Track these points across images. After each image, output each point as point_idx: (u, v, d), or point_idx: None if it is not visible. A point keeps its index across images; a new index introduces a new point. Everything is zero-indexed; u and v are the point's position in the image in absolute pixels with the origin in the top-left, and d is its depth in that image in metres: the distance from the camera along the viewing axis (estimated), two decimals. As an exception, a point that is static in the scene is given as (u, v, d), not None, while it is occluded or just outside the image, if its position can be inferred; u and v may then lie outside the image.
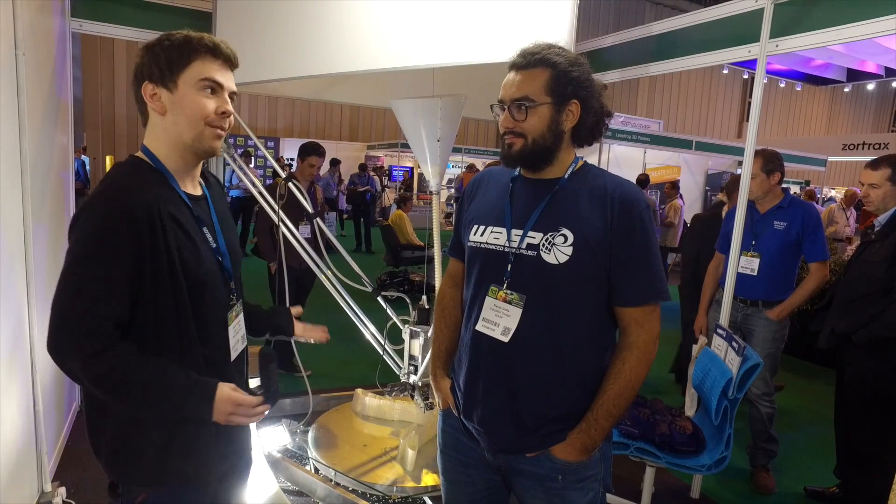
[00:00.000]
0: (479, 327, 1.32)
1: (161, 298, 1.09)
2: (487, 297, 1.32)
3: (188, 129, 1.15)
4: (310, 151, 3.97)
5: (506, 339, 1.28)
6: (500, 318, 1.30)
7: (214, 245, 1.21)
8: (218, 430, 1.19)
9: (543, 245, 1.26)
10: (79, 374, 1.04)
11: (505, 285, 1.29)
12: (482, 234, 1.35)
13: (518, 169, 1.37)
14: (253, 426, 2.50)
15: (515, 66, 1.29)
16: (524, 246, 1.28)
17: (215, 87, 1.16)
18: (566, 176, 1.31)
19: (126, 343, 1.07)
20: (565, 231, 1.25)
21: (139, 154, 1.18)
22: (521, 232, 1.29)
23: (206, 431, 1.19)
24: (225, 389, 1.14)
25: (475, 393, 1.35)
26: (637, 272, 1.26)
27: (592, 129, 1.33)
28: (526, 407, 1.29)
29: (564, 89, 1.25)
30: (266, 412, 1.20)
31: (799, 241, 2.87)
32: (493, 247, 1.33)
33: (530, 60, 1.27)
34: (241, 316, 1.32)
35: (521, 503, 1.38)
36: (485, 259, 1.35)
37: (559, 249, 1.25)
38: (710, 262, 3.20)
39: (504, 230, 1.32)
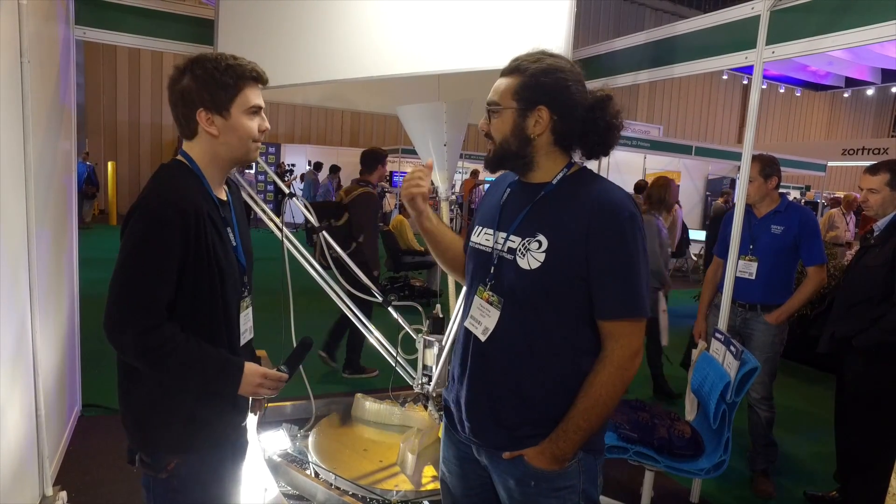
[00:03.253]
0: (466, 324, 1.37)
1: (199, 285, 1.25)
2: (475, 297, 1.36)
3: (239, 148, 1.34)
4: (384, 157, 4.29)
5: (483, 338, 1.32)
6: (483, 317, 1.33)
7: (234, 244, 1.37)
8: (234, 403, 1.38)
9: (520, 250, 1.28)
10: (133, 344, 1.19)
11: (488, 286, 1.33)
12: (478, 235, 1.41)
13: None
14: (253, 430, 2.52)
15: (501, 72, 1.34)
16: (506, 249, 1.31)
17: (257, 110, 1.34)
18: (554, 181, 1.31)
19: (171, 322, 1.22)
20: (541, 237, 1.25)
21: (181, 159, 1.34)
22: (505, 235, 1.32)
23: (226, 403, 1.36)
24: (252, 365, 1.33)
25: (461, 385, 1.39)
26: (610, 285, 1.22)
27: (587, 139, 1.30)
28: (503, 406, 1.31)
29: (530, 95, 1.26)
30: (284, 384, 1.38)
31: (797, 244, 2.89)
32: (482, 247, 1.38)
33: (508, 67, 1.32)
34: (251, 308, 1.47)
35: (501, 501, 1.39)
36: (476, 259, 1.40)
37: (533, 255, 1.25)
38: None
39: (493, 232, 1.36)
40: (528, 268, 1.25)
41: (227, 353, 1.30)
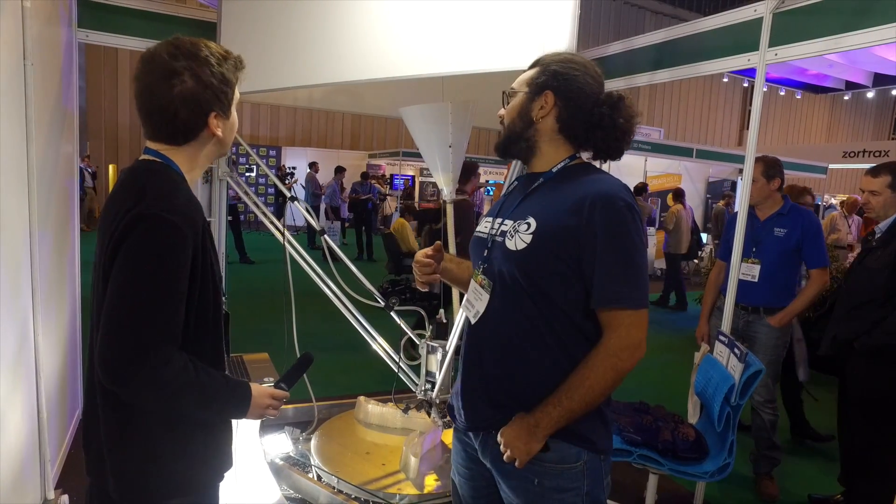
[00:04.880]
0: (462, 306, 1.42)
1: (203, 302, 1.13)
2: (472, 280, 1.39)
3: (227, 144, 1.24)
4: (476, 168, 4.67)
5: (474, 321, 1.34)
6: (476, 300, 1.35)
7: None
8: (230, 429, 1.28)
9: (510, 232, 1.31)
10: (147, 380, 1.02)
11: (481, 270, 1.36)
12: (481, 225, 1.46)
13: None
14: (256, 434, 2.51)
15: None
16: (498, 233, 1.35)
17: None
18: (553, 171, 1.35)
19: (180, 350, 1.08)
20: (530, 219, 1.28)
21: (157, 159, 1.17)
22: (501, 220, 1.37)
23: (228, 432, 1.26)
24: (257, 386, 1.22)
25: (466, 374, 1.40)
26: (605, 273, 1.22)
27: (592, 134, 1.31)
28: (495, 388, 1.32)
29: (541, 81, 1.33)
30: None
31: (799, 247, 2.89)
32: (481, 234, 1.43)
33: (532, 62, 1.39)
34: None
35: (506, 502, 1.38)
36: (475, 245, 1.44)
37: (521, 236, 1.27)
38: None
39: (492, 219, 1.41)
40: (514, 248, 1.27)
41: (231, 376, 1.20)
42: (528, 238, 1.26)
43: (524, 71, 1.42)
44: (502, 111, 1.40)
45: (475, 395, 1.36)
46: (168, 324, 1.04)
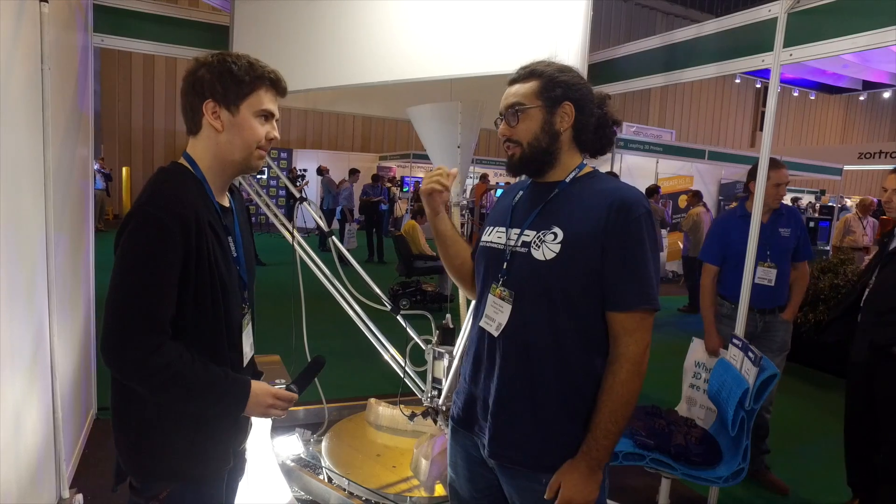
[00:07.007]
0: (481, 323, 1.38)
1: (201, 299, 1.17)
2: (489, 295, 1.37)
3: (241, 151, 1.25)
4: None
5: (496, 333, 1.34)
6: (496, 314, 1.34)
7: (235, 255, 1.29)
8: (235, 424, 1.30)
9: (534, 242, 1.30)
10: (136, 366, 1.09)
11: (501, 282, 1.35)
12: (489, 235, 1.44)
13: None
14: (267, 435, 2.52)
15: (511, 80, 1.40)
16: (519, 244, 1.33)
17: (268, 116, 1.27)
18: (568, 179, 1.35)
19: (174, 341, 1.13)
20: (556, 229, 1.29)
21: (182, 161, 1.26)
22: (518, 231, 1.35)
23: (227, 426, 1.28)
24: (261, 384, 1.25)
25: (476, 385, 1.40)
26: (626, 277, 1.25)
27: (597, 134, 1.37)
28: (513, 405, 1.31)
29: (554, 92, 1.33)
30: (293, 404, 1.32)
31: (797, 244, 3.03)
32: (495, 245, 1.40)
33: (522, 74, 1.38)
34: (251, 325, 1.39)
35: (511, 502, 1.38)
36: (488, 257, 1.42)
37: (548, 246, 1.28)
38: None
39: (505, 229, 1.39)
40: (543, 258, 1.28)
41: (232, 372, 1.22)
42: (557, 248, 1.27)
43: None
44: (507, 129, 1.36)
45: (494, 408, 1.33)
46: (152, 314, 1.10)
